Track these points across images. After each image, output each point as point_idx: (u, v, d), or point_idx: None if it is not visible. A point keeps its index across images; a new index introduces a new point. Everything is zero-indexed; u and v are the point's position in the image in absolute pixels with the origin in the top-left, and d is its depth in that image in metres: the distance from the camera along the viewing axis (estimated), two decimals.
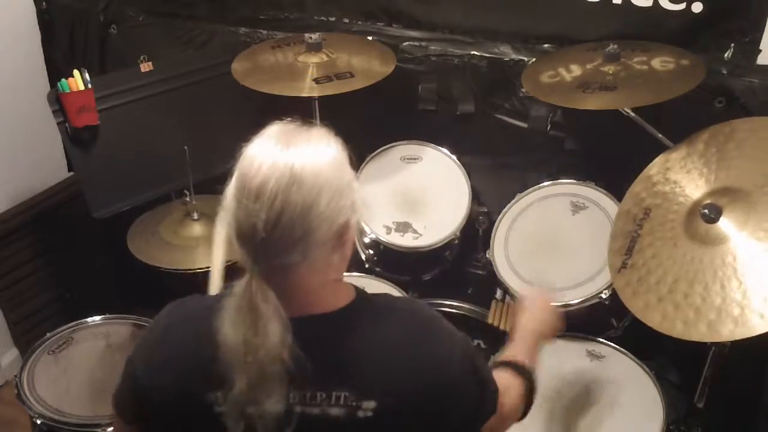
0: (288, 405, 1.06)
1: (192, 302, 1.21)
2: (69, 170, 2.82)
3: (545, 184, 2.11)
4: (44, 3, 2.68)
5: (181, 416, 1.13)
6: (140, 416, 1.19)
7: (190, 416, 1.13)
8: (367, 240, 2.17)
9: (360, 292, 1.18)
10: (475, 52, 2.25)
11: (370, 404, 1.06)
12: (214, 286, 1.44)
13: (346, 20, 2.44)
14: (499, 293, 2.14)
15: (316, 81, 2.05)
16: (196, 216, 2.23)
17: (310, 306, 1.10)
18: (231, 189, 1.06)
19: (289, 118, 1.13)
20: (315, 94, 2.03)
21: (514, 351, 1.39)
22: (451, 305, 2.20)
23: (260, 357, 1.02)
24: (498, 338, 2.06)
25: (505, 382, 1.27)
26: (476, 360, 1.18)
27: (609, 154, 2.14)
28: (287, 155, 1.04)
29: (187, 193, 2.21)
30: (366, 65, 2.14)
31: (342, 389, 1.07)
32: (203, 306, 1.13)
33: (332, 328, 1.10)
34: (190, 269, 2.08)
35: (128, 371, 1.18)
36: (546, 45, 2.21)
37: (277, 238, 1.02)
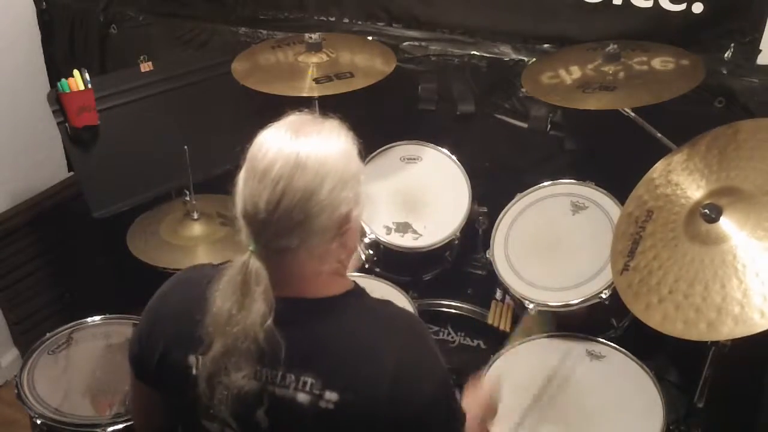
0: (261, 384, 1.10)
1: (196, 271, 1.27)
2: (69, 170, 2.82)
3: (545, 184, 2.11)
4: (44, 3, 2.68)
5: (165, 376, 1.19)
6: (140, 372, 1.25)
7: (171, 376, 1.17)
8: (367, 240, 2.17)
9: (356, 289, 1.19)
10: (475, 52, 2.25)
11: (332, 396, 1.08)
12: None
13: (346, 20, 2.44)
14: (499, 293, 2.15)
15: (316, 81, 2.05)
16: (196, 216, 2.23)
17: (301, 290, 1.13)
18: (242, 171, 1.11)
19: (305, 109, 1.17)
20: (315, 94, 2.03)
21: None
22: (451, 305, 2.21)
23: (237, 331, 1.06)
24: (498, 338, 2.06)
25: (469, 405, 1.29)
26: (452, 390, 1.18)
27: (609, 154, 2.14)
28: (295, 143, 1.08)
29: (187, 192, 2.21)
30: (366, 65, 2.14)
31: (309, 375, 1.09)
32: (204, 274, 1.17)
33: (313, 314, 1.12)
34: None
35: (136, 329, 1.27)
36: (546, 45, 2.21)
37: (277, 220, 1.06)
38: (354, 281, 1.20)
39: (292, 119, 1.14)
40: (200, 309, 1.10)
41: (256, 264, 1.08)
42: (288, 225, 1.07)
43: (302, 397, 1.09)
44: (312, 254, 1.10)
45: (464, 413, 1.21)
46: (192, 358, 1.14)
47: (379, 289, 2.10)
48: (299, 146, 1.07)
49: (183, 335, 1.15)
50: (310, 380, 1.09)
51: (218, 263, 1.18)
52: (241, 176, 1.11)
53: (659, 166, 1.76)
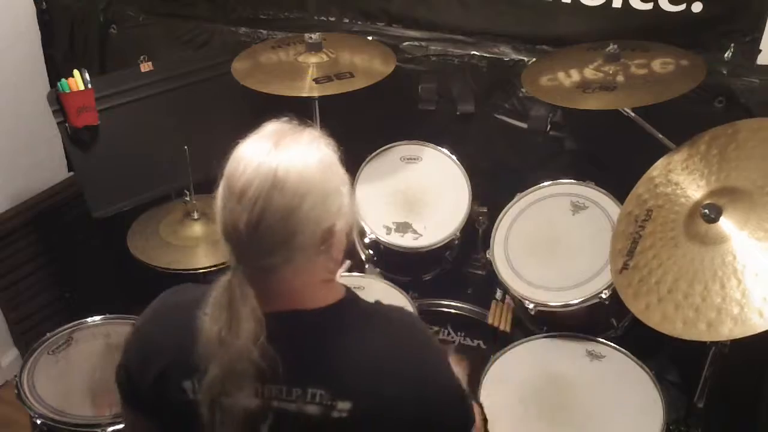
0: (264, 400, 1.08)
1: (183, 292, 1.23)
2: (69, 170, 2.82)
3: (545, 184, 2.11)
4: (44, 3, 2.68)
5: (159, 402, 1.15)
6: (130, 400, 1.21)
7: (166, 403, 1.14)
8: (367, 240, 2.17)
9: (349, 295, 1.17)
10: (475, 52, 2.25)
11: (346, 405, 1.07)
12: None
13: (346, 20, 2.44)
14: (499, 293, 2.15)
15: (316, 81, 2.05)
16: (196, 216, 2.23)
17: (293, 303, 1.11)
18: (219, 188, 1.09)
19: (285, 117, 1.13)
20: (315, 94, 2.03)
21: None
22: (451, 305, 2.20)
23: (231, 353, 1.04)
24: (498, 338, 2.06)
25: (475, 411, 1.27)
26: (461, 383, 1.18)
27: (609, 154, 2.14)
28: (273, 158, 1.04)
29: (187, 193, 2.21)
30: (366, 65, 2.14)
31: (317, 387, 1.07)
32: (191, 298, 1.14)
33: (310, 325, 1.11)
34: (190, 269, 2.08)
35: (123, 356, 1.22)
36: (546, 46, 2.21)
37: (259, 240, 1.04)
38: (346, 287, 1.18)
39: (269, 130, 1.10)
40: (190, 334, 1.07)
41: (239, 283, 1.05)
42: (270, 244, 1.04)
43: (312, 409, 1.07)
44: (297, 270, 1.08)
45: (473, 411, 1.20)
46: (188, 384, 1.11)
47: (379, 289, 2.10)
48: (277, 162, 1.03)
49: (176, 362, 1.12)
50: (319, 392, 1.07)
51: (202, 282, 1.16)
52: (219, 194, 1.08)
53: (659, 165, 1.76)
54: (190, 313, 1.09)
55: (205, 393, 1.07)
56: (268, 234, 1.03)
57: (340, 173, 1.11)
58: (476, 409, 1.28)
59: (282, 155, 1.04)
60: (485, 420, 1.36)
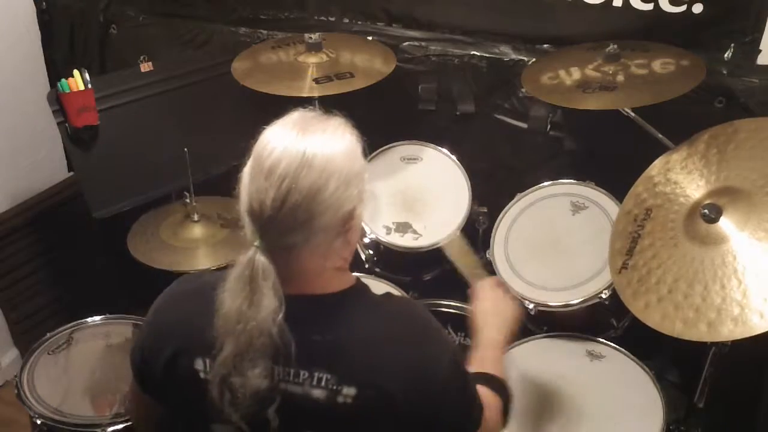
0: (273, 381, 1.10)
1: (198, 277, 1.27)
2: (69, 170, 2.82)
3: (545, 184, 2.11)
4: (44, 3, 2.68)
5: (171, 384, 1.18)
6: (143, 382, 1.25)
7: (178, 383, 1.17)
8: (367, 240, 2.17)
9: (359, 284, 1.20)
10: (475, 52, 2.25)
11: (351, 391, 1.09)
12: None
13: (346, 20, 2.44)
14: None
15: (316, 81, 2.05)
16: (196, 218, 2.23)
17: (305, 286, 1.13)
18: (247, 167, 1.11)
19: (310, 106, 1.17)
20: (315, 94, 2.03)
21: (485, 363, 1.39)
22: (451, 305, 2.20)
23: (250, 328, 1.06)
24: None
25: (488, 397, 1.28)
26: (465, 373, 1.19)
27: (609, 154, 2.14)
28: (301, 141, 1.08)
29: (187, 194, 2.21)
30: (366, 65, 2.14)
31: (324, 371, 1.09)
32: (204, 282, 1.17)
33: (320, 310, 1.13)
34: (190, 271, 2.08)
35: (137, 341, 1.26)
36: (546, 45, 2.21)
37: (283, 218, 1.07)
38: (356, 277, 1.21)
39: (297, 116, 1.14)
40: (206, 313, 1.10)
41: (262, 259, 1.07)
42: (293, 223, 1.07)
43: (318, 393, 1.09)
44: (316, 251, 1.11)
45: (481, 402, 1.21)
46: (200, 363, 1.14)
47: (379, 289, 2.10)
48: (305, 144, 1.08)
49: (189, 341, 1.15)
50: (325, 376, 1.09)
51: (214, 269, 1.18)
52: (246, 173, 1.11)
53: (658, 164, 1.76)
54: (205, 296, 1.11)
55: (217, 371, 1.10)
56: (293, 212, 1.06)
57: (362, 160, 1.16)
58: (491, 398, 1.29)
59: (309, 138, 1.09)
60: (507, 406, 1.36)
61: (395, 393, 1.09)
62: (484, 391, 1.28)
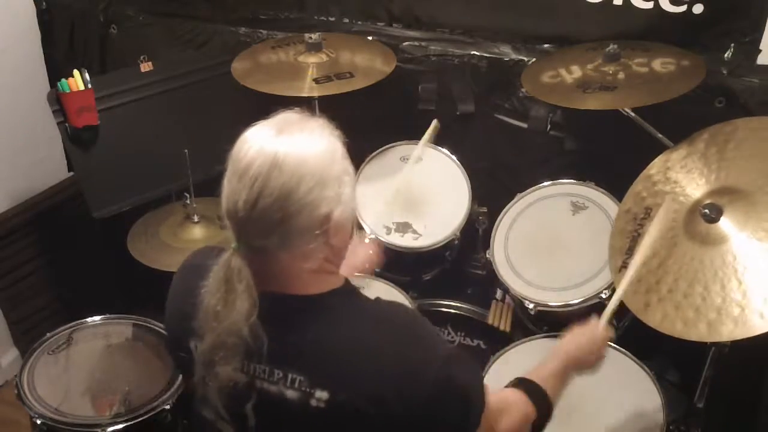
0: (250, 377, 1.12)
1: (201, 257, 1.27)
2: (69, 170, 2.82)
3: (545, 184, 2.11)
4: (44, 3, 2.68)
5: (179, 356, 1.23)
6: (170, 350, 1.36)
7: (183, 357, 1.21)
8: (366, 240, 2.17)
9: (346, 287, 1.18)
10: (475, 52, 2.25)
11: (323, 394, 1.08)
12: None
13: (346, 20, 2.44)
14: (499, 293, 2.14)
15: (316, 81, 2.05)
16: (196, 218, 2.23)
17: (286, 286, 1.13)
18: (227, 169, 1.12)
19: (295, 108, 1.15)
20: (315, 94, 2.03)
21: (540, 370, 1.38)
22: (451, 305, 2.20)
23: (223, 328, 1.09)
24: (498, 338, 2.06)
25: (506, 401, 1.26)
26: (458, 374, 1.13)
27: (609, 154, 2.14)
28: (276, 141, 1.08)
29: (187, 195, 2.21)
30: (366, 65, 2.14)
31: (297, 372, 1.10)
32: (206, 265, 1.17)
33: (298, 311, 1.13)
34: None
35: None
36: (546, 45, 2.21)
37: (256, 219, 1.07)
38: (346, 279, 1.19)
39: (279, 118, 1.13)
40: (195, 301, 1.13)
41: (237, 261, 1.08)
42: (266, 224, 1.07)
43: (291, 394, 1.10)
44: (293, 253, 1.10)
45: (483, 402, 1.17)
46: (192, 344, 1.17)
47: (379, 289, 2.10)
48: (279, 145, 1.07)
49: (186, 321, 1.17)
50: (298, 377, 1.09)
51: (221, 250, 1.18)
52: (225, 174, 1.12)
53: (657, 163, 1.76)
54: (197, 279, 1.14)
55: (201, 357, 1.14)
56: (265, 213, 1.06)
57: (344, 163, 1.14)
58: (513, 401, 1.28)
59: (285, 139, 1.08)
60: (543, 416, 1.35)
61: (371, 399, 1.06)
62: (507, 394, 1.28)
